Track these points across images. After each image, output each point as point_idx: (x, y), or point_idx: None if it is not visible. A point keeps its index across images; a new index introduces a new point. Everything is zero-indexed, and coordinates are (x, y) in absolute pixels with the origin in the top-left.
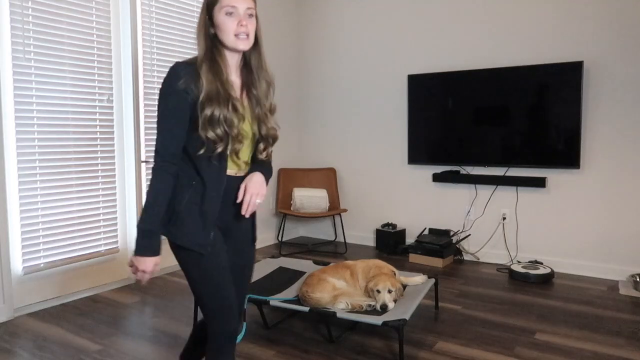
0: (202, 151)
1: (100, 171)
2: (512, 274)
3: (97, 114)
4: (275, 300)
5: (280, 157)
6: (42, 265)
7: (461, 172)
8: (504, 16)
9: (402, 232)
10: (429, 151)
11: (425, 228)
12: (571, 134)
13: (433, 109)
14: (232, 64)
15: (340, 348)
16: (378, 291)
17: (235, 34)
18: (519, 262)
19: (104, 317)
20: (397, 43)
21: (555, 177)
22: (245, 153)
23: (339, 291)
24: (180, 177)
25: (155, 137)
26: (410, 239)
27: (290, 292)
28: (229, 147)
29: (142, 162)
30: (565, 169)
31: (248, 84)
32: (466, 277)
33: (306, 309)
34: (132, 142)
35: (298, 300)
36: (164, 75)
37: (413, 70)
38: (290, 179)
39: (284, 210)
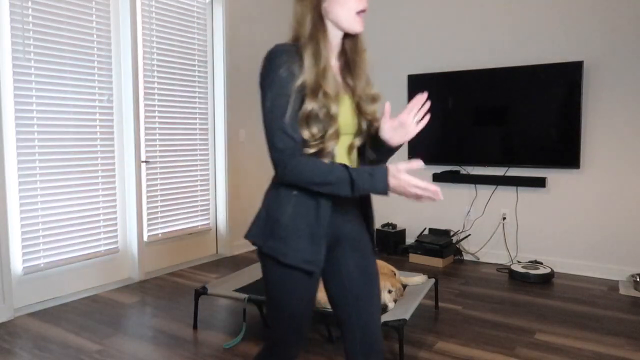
0: (304, 150)
1: (100, 171)
2: (512, 274)
3: (97, 114)
4: None
5: None
6: (42, 265)
7: (461, 172)
8: (504, 16)
9: (402, 232)
10: (429, 151)
11: (425, 228)
12: (571, 134)
13: (433, 109)
14: (334, 46)
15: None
16: None
17: (357, 11)
18: (519, 262)
19: (104, 317)
20: (397, 43)
21: (555, 177)
22: (342, 150)
23: None
24: (277, 186)
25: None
26: (410, 239)
27: None
28: (329, 144)
29: (142, 162)
30: (565, 169)
31: (345, 70)
32: (466, 277)
33: None
34: (132, 142)
35: None
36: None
37: (413, 70)
38: None
39: None
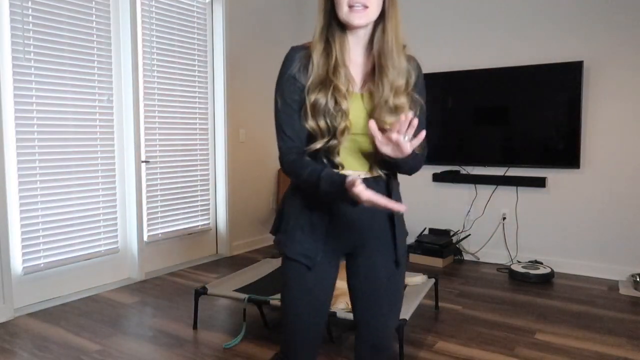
0: (309, 148)
1: (100, 171)
2: (512, 274)
3: (97, 114)
4: (275, 300)
5: None
6: (42, 265)
7: (461, 172)
8: (504, 16)
9: None
10: (429, 151)
11: (425, 228)
12: (571, 134)
13: (433, 109)
14: (356, 43)
15: (340, 348)
16: None
17: (350, 4)
18: (519, 262)
19: (104, 317)
20: None
21: (555, 177)
22: (360, 150)
23: (339, 291)
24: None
25: None
26: (410, 239)
27: None
28: (337, 141)
29: (142, 162)
30: (565, 169)
31: (371, 71)
32: (466, 277)
33: None
34: (132, 142)
35: None
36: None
37: None
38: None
39: None
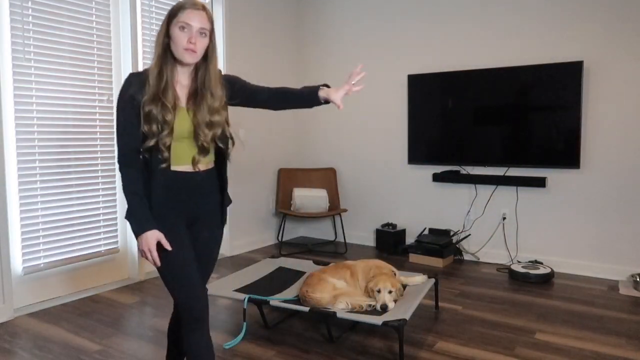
0: (144, 145)
1: (100, 171)
2: (512, 274)
3: (97, 114)
4: (275, 300)
5: (280, 157)
6: (42, 265)
7: (461, 172)
8: (504, 16)
9: (402, 232)
10: (429, 151)
11: (425, 228)
12: (571, 134)
13: (433, 109)
14: (184, 71)
15: (340, 348)
16: (378, 291)
17: (184, 48)
18: (519, 262)
19: (104, 317)
20: (397, 43)
21: (555, 177)
22: (187, 150)
23: (339, 291)
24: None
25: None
26: (410, 239)
27: (290, 292)
28: (164, 141)
29: None
30: (565, 169)
31: (194, 94)
32: (466, 277)
33: (306, 309)
34: None
35: (298, 300)
36: None
37: (413, 70)
38: (290, 179)
39: (284, 210)
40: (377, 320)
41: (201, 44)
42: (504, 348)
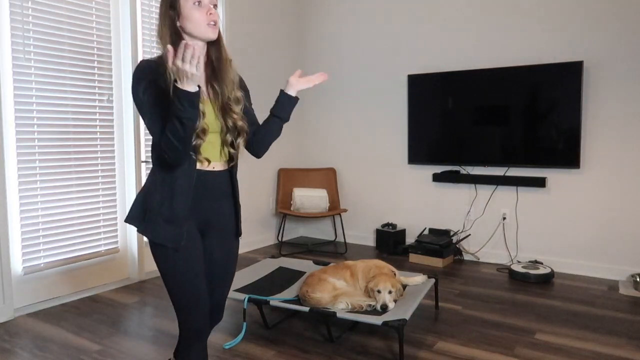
0: None
1: (100, 171)
2: (512, 274)
3: (97, 114)
4: (275, 300)
5: (280, 157)
6: (42, 265)
7: (461, 172)
8: (504, 16)
9: (402, 232)
10: (429, 151)
11: (425, 228)
12: (571, 134)
13: (433, 109)
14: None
15: (340, 348)
16: (378, 291)
17: (207, 23)
18: (519, 262)
19: (104, 317)
20: (397, 43)
21: (555, 177)
22: (211, 147)
23: (339, 291)
24: (155, 173)
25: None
26: (410, 239)
27: (290, 292)
28: (193, 142)
29: (142, 162)
30: (565, 169)
31: (212, 77)
32: (466, 277)
33: (306, 309)
34: (132, 142)
35: (298, 300)
36: None
37: (413, 70)
38: (290, 179)
39: (284, 210)
40: (377, 320)
41: (217, 16)
42: (504, 348)
